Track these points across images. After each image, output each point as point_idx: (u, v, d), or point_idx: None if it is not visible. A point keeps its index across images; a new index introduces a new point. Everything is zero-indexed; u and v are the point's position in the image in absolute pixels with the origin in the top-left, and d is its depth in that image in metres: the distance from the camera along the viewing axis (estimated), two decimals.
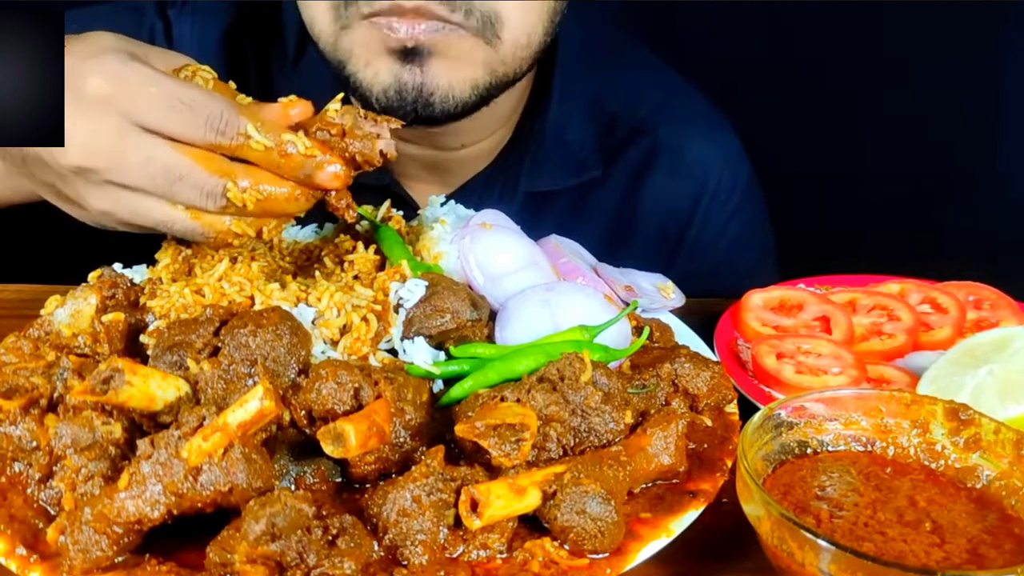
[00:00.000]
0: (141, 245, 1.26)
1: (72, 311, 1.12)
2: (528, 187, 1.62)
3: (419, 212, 1.39)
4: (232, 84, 1.09)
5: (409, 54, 1.28)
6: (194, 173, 0.98)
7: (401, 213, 1.33)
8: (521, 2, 1.30)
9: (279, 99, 1.06)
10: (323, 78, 1.43)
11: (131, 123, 0.97)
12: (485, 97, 1.38)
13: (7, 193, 1.35)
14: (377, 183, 1.58)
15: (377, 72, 1.30)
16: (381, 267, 1.20)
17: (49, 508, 0.92)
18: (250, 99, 1.07)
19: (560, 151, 1.62)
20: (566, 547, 0.88)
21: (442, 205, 1.37)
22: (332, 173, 1.02)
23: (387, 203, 1.34)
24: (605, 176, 1.65)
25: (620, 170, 1.66)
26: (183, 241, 1.25)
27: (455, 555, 0.87)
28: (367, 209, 1.32)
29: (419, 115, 1.33)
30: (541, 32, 1.37)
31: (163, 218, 1.01)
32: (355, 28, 1.29)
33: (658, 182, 1.66)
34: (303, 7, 1.37)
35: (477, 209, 1.32)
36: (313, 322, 1.08)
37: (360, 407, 0.94)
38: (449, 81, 1.31)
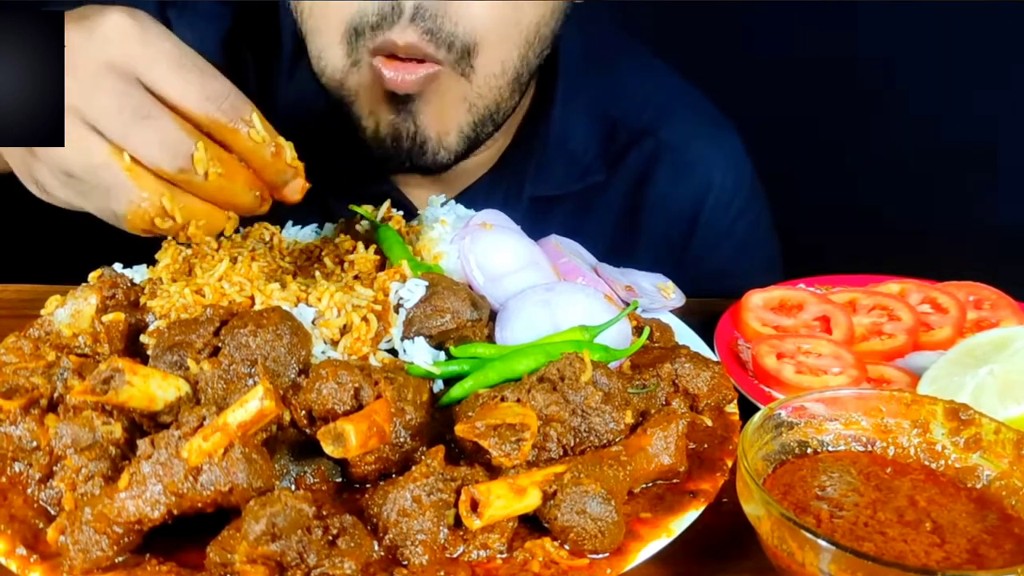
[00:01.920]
0: (141, 245, 1.26)
1: (72, 311, 1.12)
2: (532, 192, 1.62)
3: (419, 212, 1.39)
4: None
5: (402, 99, 1.34)
6: (166, 120, 0.90)
7: (401, 214, 1.34)
8: (496, 30, 1.32)
9: None
10: (318, 88, 1.43)
11: (129, 70, 0.89)
12: (473, 141, 1.43)
13: None
14: (377, 190, 1.58)
15: (379, 122, 1.38)
16: (381, 267, 1.20)
17: (49, 508, 0.92)
18: None
19: (564, 156, 1.62)
20: (566, 547, 0.87)
21: (442, 205, 1.37)
22: (302, 187, 1.02)
23: (387, 203, 1.34)
24: (608, 180, 1.65)
25: (623, 173, 1.66)
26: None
27: (455, 555, 0.87)
28: (367, 209, 1.32)
29: (413, 164, 1.41)
30: (516, 58, 1.37)
31: (99, 161, 0.90)
32: (363, 66, 1.32)
33: (662, 185, 1.66)
34: (311, 42, 1.38)
35: None
36: (313, 322, 1.08)
37: (360, 407, 0.94)
38: (438, 131, 1.38)
